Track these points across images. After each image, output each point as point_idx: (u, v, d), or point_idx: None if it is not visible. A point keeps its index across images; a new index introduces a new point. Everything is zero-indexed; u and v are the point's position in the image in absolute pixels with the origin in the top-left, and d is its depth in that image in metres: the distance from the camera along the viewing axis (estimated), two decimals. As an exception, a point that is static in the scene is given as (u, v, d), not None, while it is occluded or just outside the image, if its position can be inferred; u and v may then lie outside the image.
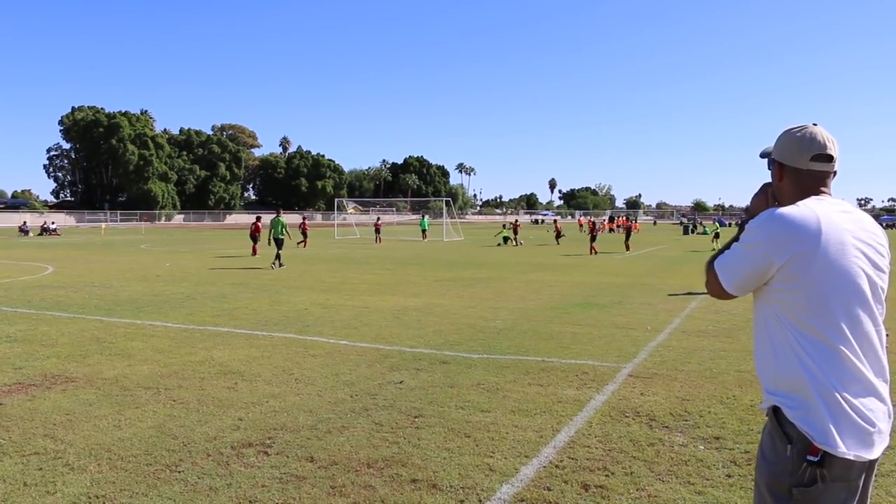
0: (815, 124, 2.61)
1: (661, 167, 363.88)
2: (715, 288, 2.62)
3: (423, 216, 33.67)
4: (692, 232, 67.77)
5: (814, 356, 2.36)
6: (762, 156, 2.79)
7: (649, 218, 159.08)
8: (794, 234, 2.37)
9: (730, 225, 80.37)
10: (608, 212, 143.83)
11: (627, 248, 34.37)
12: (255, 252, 31.06)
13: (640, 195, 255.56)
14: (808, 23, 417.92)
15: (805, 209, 2.43)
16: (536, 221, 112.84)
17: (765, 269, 2.43)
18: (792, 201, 2.53)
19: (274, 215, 27.75)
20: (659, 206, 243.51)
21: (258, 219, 32.75)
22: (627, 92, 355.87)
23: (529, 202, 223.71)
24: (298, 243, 36.71)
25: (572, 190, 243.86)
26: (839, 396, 2.33)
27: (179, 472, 5.27)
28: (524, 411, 6.81)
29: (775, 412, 2.44)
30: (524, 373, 8.41)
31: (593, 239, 33.86)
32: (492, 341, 10.49)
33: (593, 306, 14.33)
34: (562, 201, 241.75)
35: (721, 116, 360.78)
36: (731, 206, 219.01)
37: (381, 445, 5.83)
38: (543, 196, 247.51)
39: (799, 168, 2.58)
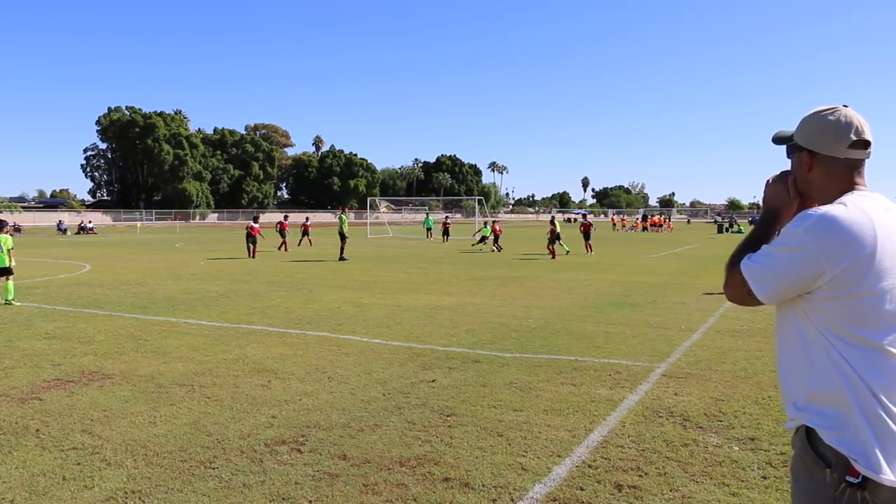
0: (845, 106, 2.32)
1: (695, 165, 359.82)
2: (739, 294, 2.33)
3: (427, 214, 32.31)
4: (727, 230, 66.89)
5: (860, 369, 2.11)
6: (778, 141, 2.48)
7: (683, 216, 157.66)
8: (851, 241, 2.09)
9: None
10: (641, 210, 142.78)
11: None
12: (285, 248, 33.45)
13: (673, 193, 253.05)
14: (846, 16, 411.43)
15: (857, 211, 2.14)
16: (569, 220, 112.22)
17: (812, 279, 2.14)
18: (825, 195, 2.29)
19: (339, 212, 29.62)
20: (693, 204, 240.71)
21: (286, 217, 35.11)
22: (661, 88, 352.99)
23: (562, 201, 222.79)
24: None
25: (605, 188, 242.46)
26: (884, 413, 2.09)
27: (214, 468, 5.33)
28: (557, 411, 6.80)
29: (808, 433, 2.20)
30: (557, 372, 8.39)
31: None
32: (524, 340, 10.47)
33: (626, 305, 14.24)
34: (594, 200, 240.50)
35: (757, 113, 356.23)
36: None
37: (413, 444, 5.85)
38: (576, 195, 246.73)
39: (835, 156, 2.28)
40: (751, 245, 2.37)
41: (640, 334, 10.93)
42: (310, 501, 4.74)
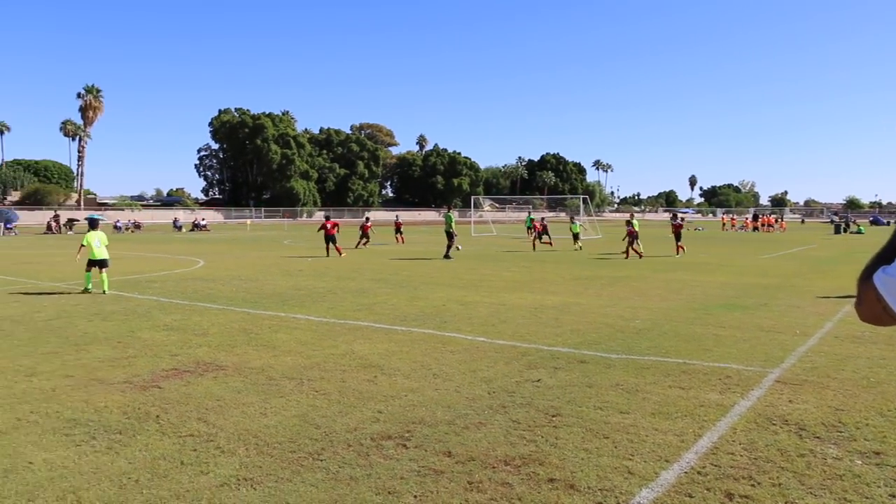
0: None
1: (809, 161, 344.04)
2: (874, 312, 1.99)
3: (448, 210, 30.28)
4: (845, 231, 63.92)
5: None
6: None
7: (796, 216, 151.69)
8: None
9: (888, 223, 75.55)
10: (752, 209, 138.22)
11: (680, 250, 29.92)
12: (365, 243, 34.44)
13: (786, 192, 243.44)
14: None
15: None
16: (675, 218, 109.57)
17: None
18: None
19: (445, 210, 29.09)
20: (807, 203, 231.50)
21: (367, 219, 36.49)
22: (774, 82, 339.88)
23: (668, 199, 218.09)
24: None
25: (713, 187, 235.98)
26: None
27: (321, 460, 5.45)
28: (665, 414, 6.66)
29: None
30: (664, 374, 8.22)
31: (677, 238, 30.91)
32: (631, 341, 10.30)
33: (737, 308, 13.81)
34: (702, 199, 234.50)
35: (879, 106, 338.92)
36: (889, 202, 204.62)
37: (518, 443, 5.83)
38: (683, 193, 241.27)
39: None
40: (886, 255, 2.01)
41: (752, 338, 10.59)
42: (415, 496, 4.79)
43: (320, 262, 25.97)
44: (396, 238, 39.69)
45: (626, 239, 28.72)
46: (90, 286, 16.20)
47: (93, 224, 17.23)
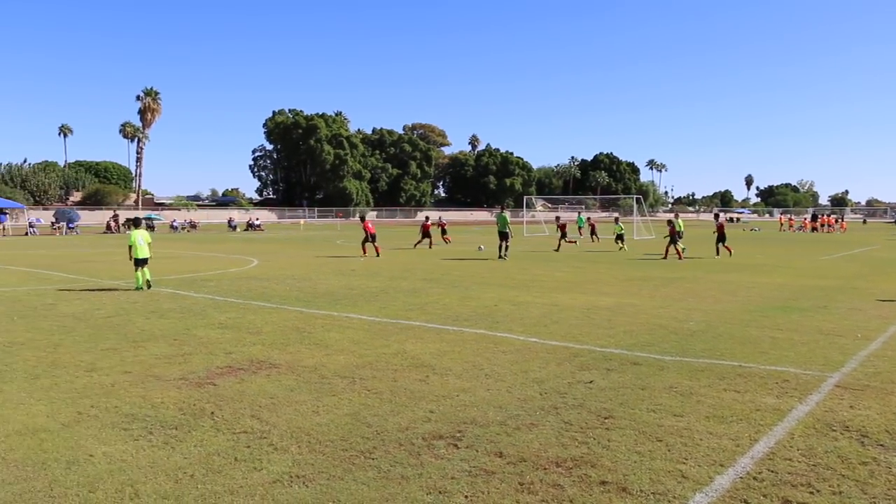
0: None
1: (871, 160, 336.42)
2: None
3: (501, 210, 29.01)
4: (908, 232, 62.21)
5: None
6: None
7: (858, 216, 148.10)
8: None
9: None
10: (810, 209, 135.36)
11: (725, 250, 29.05)
12: (428, 243, 34.75)
13: (846, 191, 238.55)
14: None
15: None
16: (731, 219, 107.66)
17: None
18: None
19: (498, 210, 29.66)
20: (869, 203, 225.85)
21: (427, 218, 36.86)
22: (834, 80, 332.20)
23: (724, 199, 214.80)
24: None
25: (770, 186, 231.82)
26: None
27: (373, 459, 5.48)
28: (719, 418, 6.54)
29: None
30: (719, 378, 8.08)
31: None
32: (685, 343, 10.15)
33: (794, 310, 13.51)
34: (759, 198, 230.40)
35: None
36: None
37: (570, 445, 5.79)
38: (739, 193, 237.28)
39: None
40: None
41: (810, 341, 10.35)
42: (466, 497, 4.78)
43: (372, 262, 26.13)
44: (444, 239, 38.58)
45: (667, 238, 28.38)
46: (142, 284, 16.75)
47: (136, 223, 17.82)
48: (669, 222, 28.80)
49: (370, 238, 29.05)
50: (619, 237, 34.64)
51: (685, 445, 5.77)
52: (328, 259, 27.31)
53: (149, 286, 16.75)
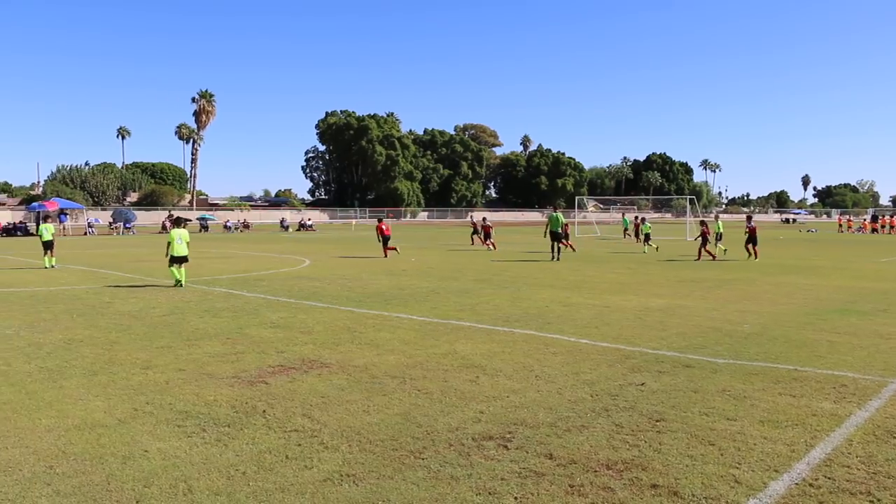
0: None
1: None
2: None
3: (554, 210, 28.38)
4: (973, 234, 60.30)
5: None
6: None
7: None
8: None
9: None
10: (870, 210, 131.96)
11: (753, 253, 28.20)
12: (483, 243, 35.16)
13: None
14: None
15: None
16: (788, 220, 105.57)
17: None
18: None
19: (550, 210, 29.89)
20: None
21: (484, 219, 37.62)
22: (894, 77, 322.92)
23: (780, 200, 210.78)
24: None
25: (828, 186, 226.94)
26: None
27: (423, 458, 5.49)
28: (774, 422, 6.42)
29: None
30: (774, 381, 7.93)
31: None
32: (739, 346, 9.98)
33: (853, 313, 13.20)
34: (816, 199, 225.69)
35: None
36: None
37: (620, 447, 5.74)
38: (795, 193, 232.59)
39: None
40: None
41: (870, 345, 10.10)
42: (515, 498, 4.77)
43: (423, 262, 26.23)
44: (487, 245, 35.34)
45: (699, 239, 28.00)
46: (181, 279, 17.37)
47: (177, 222, 18.40)
48: (702, 223, 28.41)
49: (383, 240, 29.56)
50: (647, 237, 34.18)
51: (738, 450, 5.68)
52: (379, 259, 27.47)
53: (179, 284, 17.29)
